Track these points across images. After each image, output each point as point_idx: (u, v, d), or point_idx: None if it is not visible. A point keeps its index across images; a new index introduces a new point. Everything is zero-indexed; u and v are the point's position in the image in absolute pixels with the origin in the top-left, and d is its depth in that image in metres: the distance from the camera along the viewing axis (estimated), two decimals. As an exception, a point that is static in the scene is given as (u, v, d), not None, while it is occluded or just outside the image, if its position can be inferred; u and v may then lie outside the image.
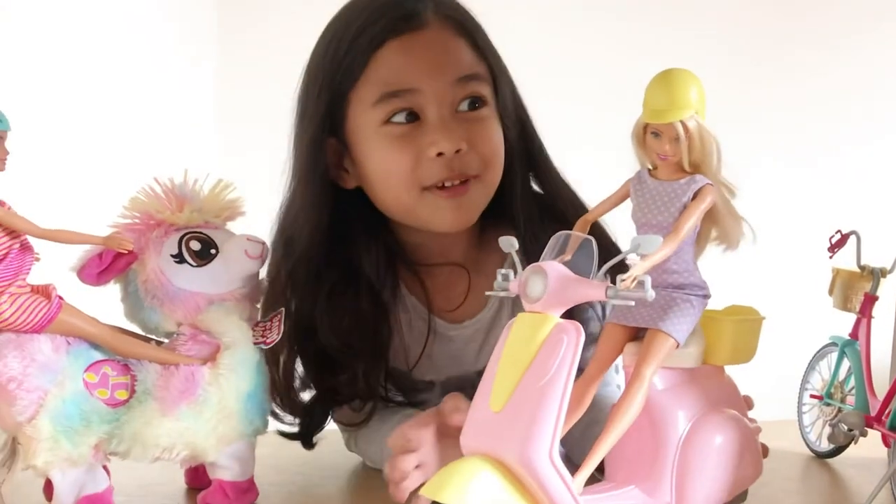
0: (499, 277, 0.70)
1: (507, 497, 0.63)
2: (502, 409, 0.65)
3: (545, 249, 0.70)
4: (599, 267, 0.66)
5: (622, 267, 0.66)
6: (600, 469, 0.72)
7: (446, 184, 0.93)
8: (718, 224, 0.74)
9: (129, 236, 0.81)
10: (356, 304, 0.97)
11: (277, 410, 0.99)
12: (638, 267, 0.64)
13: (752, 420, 0.82)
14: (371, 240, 1.00)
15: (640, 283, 0.64)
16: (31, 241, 0.77)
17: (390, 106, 0.92)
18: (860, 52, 2.44)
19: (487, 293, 0.71)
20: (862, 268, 0.99)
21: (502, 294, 0.70)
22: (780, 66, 2.40)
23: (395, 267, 1.02)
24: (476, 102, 0.94)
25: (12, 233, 0.75)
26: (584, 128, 2.12)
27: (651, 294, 0.63)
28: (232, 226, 0.88)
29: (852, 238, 0.99)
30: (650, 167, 0.74)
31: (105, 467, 0.82)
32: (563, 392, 0.64)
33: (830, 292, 1.03)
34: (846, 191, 2.36)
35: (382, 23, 0.92)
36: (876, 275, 0.98)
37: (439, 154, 0.92)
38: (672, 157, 0.71)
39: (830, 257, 1.00)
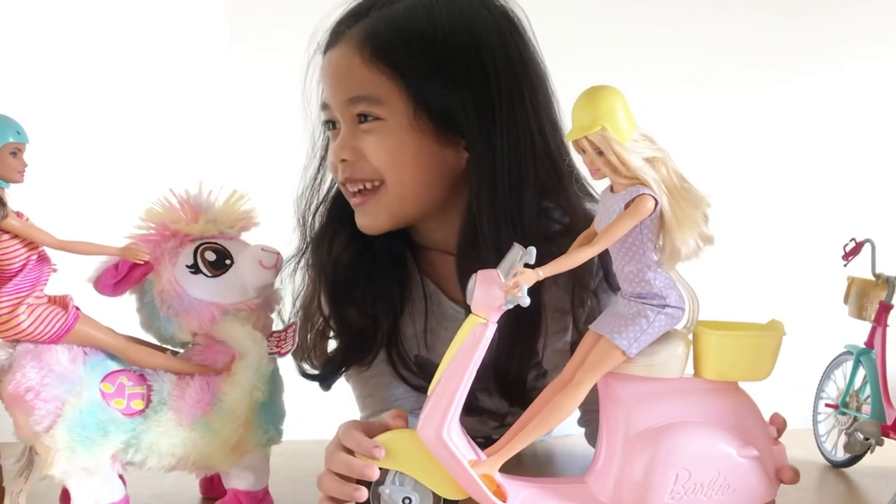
0: None
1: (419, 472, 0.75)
2: (430, 394, 0.75)
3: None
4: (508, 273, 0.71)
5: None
6: None
7: (349, 187, 1.01)
8: (667, 233, 0.73)
9: (144, 247, 0.82)
10: (373, 254, 1.05)
11: (306, 365, 1.08)
12: (526, 275, 0.68)
13: (776, 441, 0.78)
14: None
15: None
16: (49, 252, 0.78)
17: (324, 115, 1.03)
18: (881, 52, 2.42)
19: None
20: (877, 276, 0.99)
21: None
22: (797, 69, 2.38)
23: (412, 246, 1.09)
24: (366, 118, 0.98)
25: (30, 244, 0.76)
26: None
27: (526, 300, 0.68)
28: (246, 236, 0.89)
29: (867, 246, 0.99)
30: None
31: (121, 477, 0.83)
32: (460, 379, 0.73)
33: (845, 301, 1.02)
34: (861, 199, 2.34)
35: (323, 40, 1.02)
36: (891, 283, 0.97)
37: (341, 161, 0.99)
38: (597, 171, 0.72)
39: (845, 265, 1.00)
